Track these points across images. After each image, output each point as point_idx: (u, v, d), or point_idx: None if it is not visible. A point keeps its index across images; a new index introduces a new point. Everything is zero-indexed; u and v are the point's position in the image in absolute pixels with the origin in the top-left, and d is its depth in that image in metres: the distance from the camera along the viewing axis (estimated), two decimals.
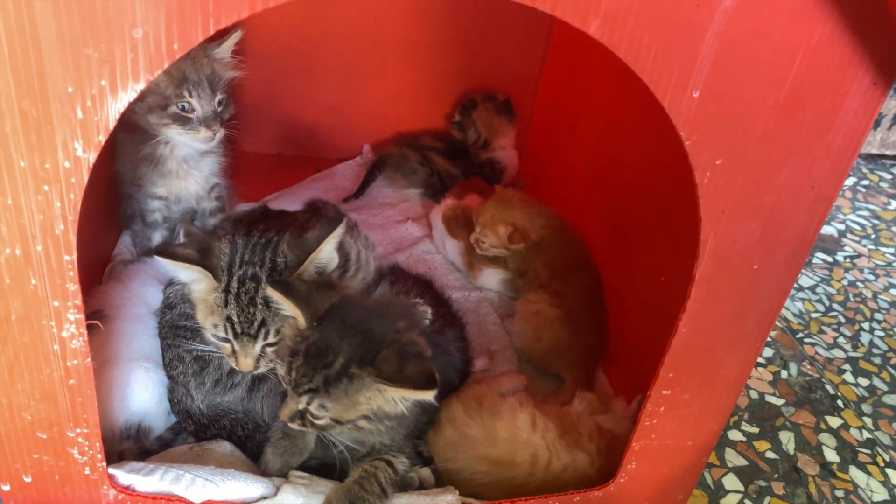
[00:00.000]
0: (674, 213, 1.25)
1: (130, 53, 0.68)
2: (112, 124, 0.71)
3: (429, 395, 0.92)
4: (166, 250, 1.04)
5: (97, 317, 1.23)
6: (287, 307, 0.99)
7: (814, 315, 1.84)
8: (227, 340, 1.06)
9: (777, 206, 0.86)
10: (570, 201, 1.71)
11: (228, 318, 1.03)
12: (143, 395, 1.15)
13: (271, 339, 1.05)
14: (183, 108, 1.29)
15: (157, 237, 1.48)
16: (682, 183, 1.23)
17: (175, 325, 1.20)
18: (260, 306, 1.03)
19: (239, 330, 1.03)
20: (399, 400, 0.95)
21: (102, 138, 0.72)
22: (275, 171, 2.01)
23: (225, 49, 1.36)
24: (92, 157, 0.73)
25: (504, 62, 1.99)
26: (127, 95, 0.70)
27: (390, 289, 1.34)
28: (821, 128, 0.81)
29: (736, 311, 0.95)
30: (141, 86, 0.70)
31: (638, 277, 1.40)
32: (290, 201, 1.85)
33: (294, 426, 1.00)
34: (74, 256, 0.79)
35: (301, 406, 0.97)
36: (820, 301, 1.89)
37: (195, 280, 1.06)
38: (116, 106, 0.70)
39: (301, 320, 0.98)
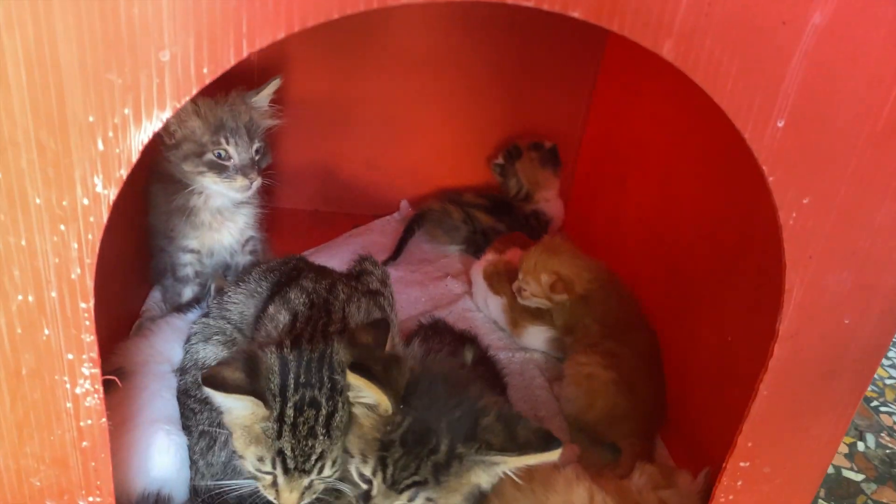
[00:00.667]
0: (740, 268, 1.15)
1: (157, 78, 0.62)
2: (135, 157, 0.65)
3: (556, 455, 0.83)
4: (215, 379, 0.87)
5: (117, 374, 1.16)
6: (370, 393, 0.86)
7: (888, 381, 1.69)
8: (271, 474, 0.89)
9: (872, 252, 0.76)
10: (622, 257, 1.61)
11: (280, 452, 0.87)
12: (164, 459, 1.06)
13: (326, 473, 0.90)
14: (219, 156, 1.25)
15: (188, 292, 1.42)
16: (750, 234, 1.16)
17: (185, 392, 1.11)
18: (321, 437, 0.87)
19: (292, 465, 0.87)
20: (511, 471, 0.86)
21: (124, 173, 0.65)
22: (312, 227, 1.96)
23: (263, 97, 1.32)
24: (113, 194, 0.67)
25: (547, 113, 1.93)
26: (152, 125, 0.64)
27: (422, 347, 1.26)
28: None
29: (825, 373, 0.84)
30: (167, 114, 0.63)
31: (700, 339, 1.29)
32: (327, 257, 1.79)
33: None
34: (91, 304, 0.72)
35: None
36: (893, 365, 1.75)
37: (239, 407, 0.89)
38: (140, 137, 0.64)
39: (387, 405, 0.86)
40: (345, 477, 0.92)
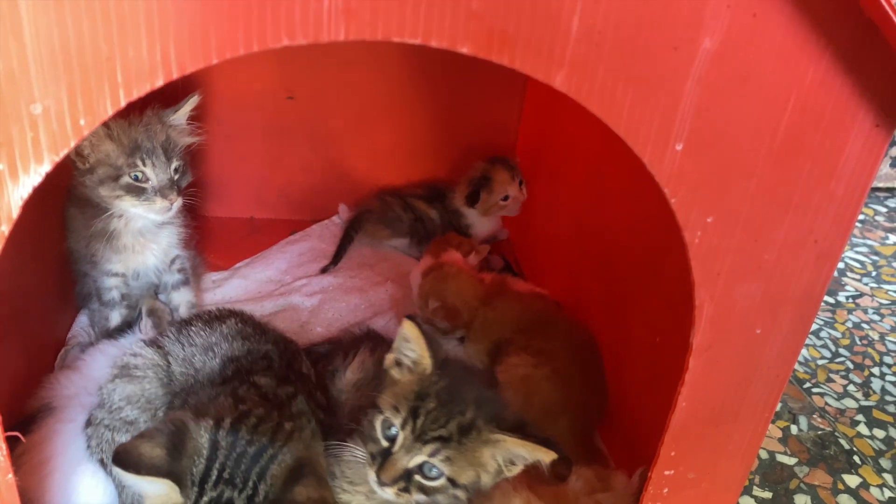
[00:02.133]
0: (666, 272, 1.16)
1: (30, 132, 0.59)
2: (15, 213, 0.62)
3: (552, 455, 0.87)
4: (129, 457, 0.79)
5: (43, 410, 1.12)
6: (417, 349, 0.93)
7: (820, 362, 1.74)
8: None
9: (778, 265, 0.78)
10: (557, 257, 1.62)
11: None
12: (94, 494, 1.04)
13: None
14: (136, 178, 1.21)
15: (116, 316, 1.38)
16: (673, 240, 1.17)
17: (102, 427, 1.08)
18: None
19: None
20: (506, 463, 0.91)
21: (6, 229, 0.63)
22: (247, 235, 1.92)
23: (181, 115, 1.28)
24: None
25: (482, 112, 1.92)
26: (30, 179, 0.61)
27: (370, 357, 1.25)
28: (821, 176, 0.73)
29: (740, 381, 0.85)
30: (46, 168, 0.61)
31: (632, 338, 1.30)
32: (263, 266, 1.76)
33: (388, 494, 0.88)
34: None
35: (419, 460, 0.88)
36: (825, 346, 1.79)
37: (152, 489, 0.82)
38: (19, 192, 0.61)
39: (428, 362, 0.92)
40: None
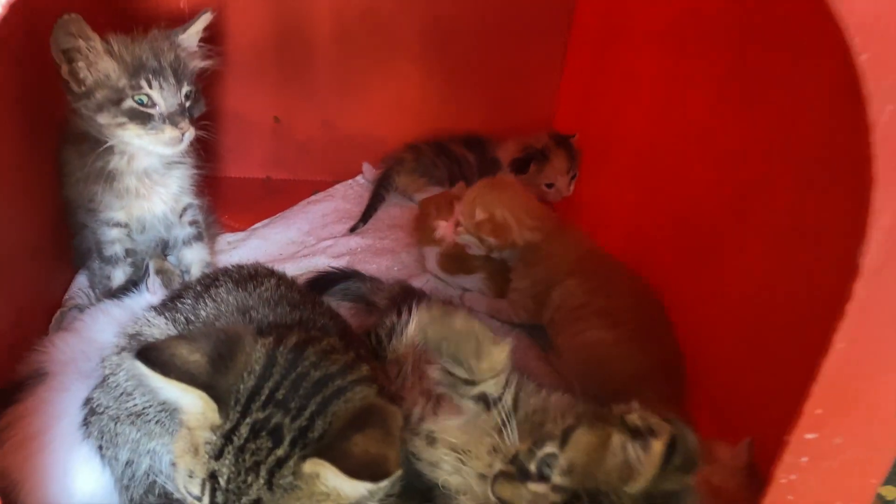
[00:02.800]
0: (765, 206, 0.99)
1: None
2: None
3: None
4: (158, 356, 0.67)
5: (34, 377, 0.95)
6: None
7: None
8: (198, 499, 0.69)
9: None
10: (614, 222, 1.43)
11: (213, 476, 0.66)
12: (88, 477, 0.86)
13: None
14: (141, 103, 1.03)
15: (119, 275, 1.20)
16: (775, 167, 0.99)
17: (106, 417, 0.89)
18: (262, 481, 0.66)
19: (221, 500, 0.66)
20: None
21: None
22: (263, 197, 1.74)
23: (192, 34, 1.11)
24: None
25: (519, 62, 1.72)
26: None
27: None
28: None
29: None
30: None
31: (720, 294, 1.11)
32: (283, 228, 1.58)
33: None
34: None
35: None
36: None
37: (186, 402, 0.69)
38: None
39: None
40: None
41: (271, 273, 1.01)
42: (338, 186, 1.76)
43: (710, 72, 1.14)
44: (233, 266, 1.02)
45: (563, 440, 0.73)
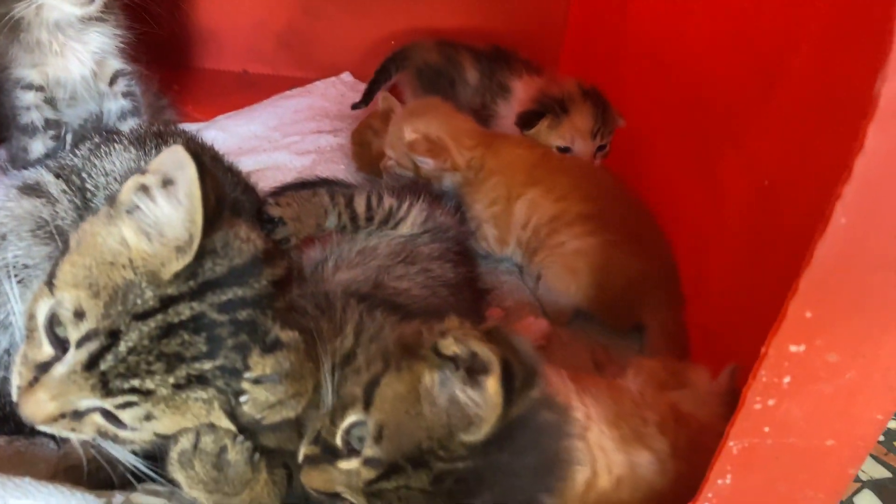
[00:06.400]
0: (783, 87, 0.79)
1: None
2: None
3: None
4: (193, 145, 0.61)
5: None
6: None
7: None
8: (57, 352, 0.54)
9: None
10: (624, 93, 1.24)
11: (113, 335, 0.52)
12: None
13: (129, 420, 0.55)
14: None
15: (38, 147, 1.06)
16: (795, 42, 0.80)
17: None
18: (171, 380, 0.54)
19: (103, 367, 0.52)
20: None
21: None
22: (238, 90, 1.58)
23: None
24: None
25: None
26: None
27: None
28: None
29: None
30: None
31: (724, 189, 0.93)
32: (245, 121, 1.43)
33: None
34: None
35: None
36: None
37: (158, 224, 0.55)
38: None
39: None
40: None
41: (183, 135, 0.86)
42: (318, 83, 1.60)
43: None
44: (140, 125, 0.87)
45: (367, 400, 0.56)
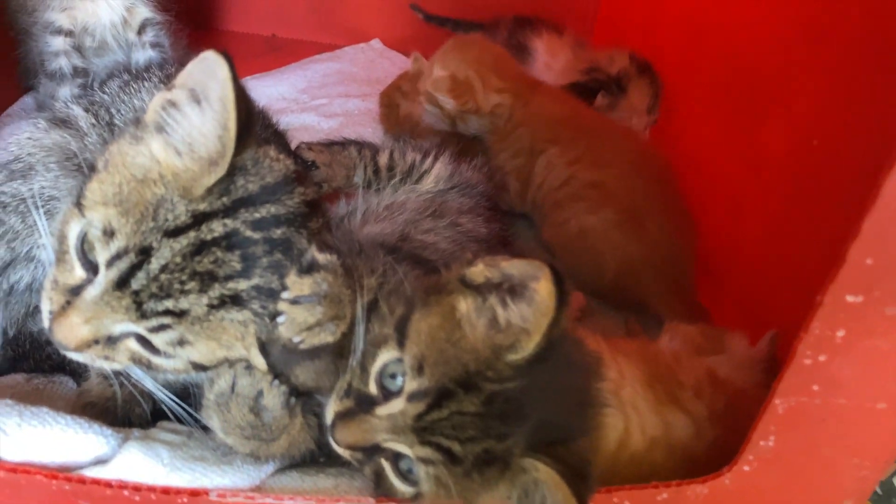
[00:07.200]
0: (829, 50, 0.76)
1: None
2: None
3: None
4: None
5: None
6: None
7: None
8: (89, 274, 0.52)
9: None
10: (661, 58, 1.20)
11: (145, 252, 0.50)
12: None
13: (162, 345, 0.53)
14: None
15: (66, 95, 1.04)
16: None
17: None
18: (205, 299, 0.52)
19: (135, 285, 0.51)
20: None
21: None
22: (265, 53, 1.56)
23: None
24: None
25: None
26: None
27: None
28: None
29: None
30: None
31: (765, 151, 0.90)
32: (273, 82, 1.41)
33: None
34: None
35: None
36: None
37: (189, 138, 0.54)
38: None
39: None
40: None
41: None
42: (346, 49, 1.57)
43: None
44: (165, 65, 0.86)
45: (400, 338, 0.54)
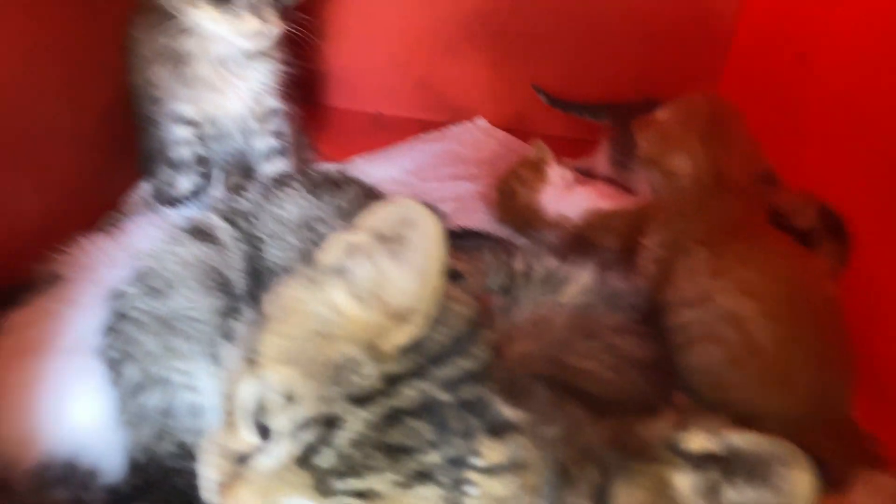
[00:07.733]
0: None
1: None
2: None
3: None
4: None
5: (47, 281, 0.77)
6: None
7: None
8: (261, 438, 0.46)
9: None
10: (807, 161, 1.11)
11: (331, 423, 0.44)
12: (84, 407, 0.67)
13: None
14: None
15: (185, 184, 1.02)
16: None
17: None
18: (396, 477, 0.44)
19: (317, 462, 0.43)
20: None
21: None
22: (370, 132, 1.53)
23: None
24: None
25: None
26: None
27: None
28: None
29: None
30: None
31: None
32: (385, 164, 1.37)
33: None
34: None
35: None
36: None
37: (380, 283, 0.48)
38: None
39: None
40: None
41: (356, 182, 0.80)
42: (451, 128, 1.52)
43: None
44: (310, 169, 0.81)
45: None
